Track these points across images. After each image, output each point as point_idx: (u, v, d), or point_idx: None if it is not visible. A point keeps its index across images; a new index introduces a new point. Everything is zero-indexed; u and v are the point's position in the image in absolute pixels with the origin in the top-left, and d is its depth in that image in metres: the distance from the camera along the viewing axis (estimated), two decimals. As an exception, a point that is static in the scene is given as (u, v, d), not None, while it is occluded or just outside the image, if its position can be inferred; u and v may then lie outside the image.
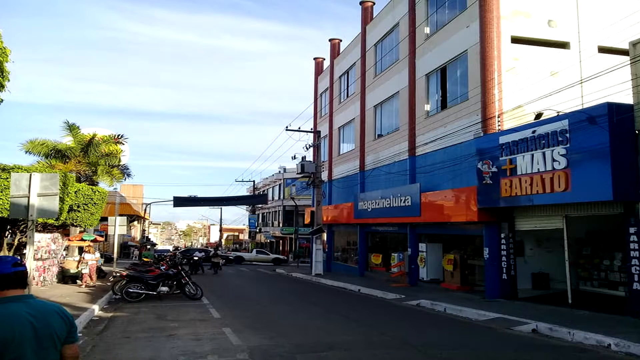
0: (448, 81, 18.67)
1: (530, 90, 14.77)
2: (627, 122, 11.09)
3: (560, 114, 12.85)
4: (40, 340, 2.45)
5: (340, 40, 31.62)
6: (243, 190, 63.08)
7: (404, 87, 21.36)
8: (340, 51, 30.54)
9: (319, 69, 34.18)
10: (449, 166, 17.17)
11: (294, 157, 28.68)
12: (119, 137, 27.74)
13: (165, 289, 14.87)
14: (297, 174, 29.01)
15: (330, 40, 31.80)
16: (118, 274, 16.05)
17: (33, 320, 2.45)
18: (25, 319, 2.43)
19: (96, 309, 12.39)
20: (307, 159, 27.69)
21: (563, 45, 16.40)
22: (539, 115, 13.66)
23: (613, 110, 11.03)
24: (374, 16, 25.95)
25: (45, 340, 2.47)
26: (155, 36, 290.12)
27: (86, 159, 24.35)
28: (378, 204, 22.13)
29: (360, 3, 27.00)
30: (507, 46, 15.79)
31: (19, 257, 4.59)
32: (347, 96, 28.56)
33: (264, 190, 61.09)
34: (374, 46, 25.13)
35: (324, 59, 33.62)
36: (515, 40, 15.97)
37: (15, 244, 15.74)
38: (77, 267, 18.52)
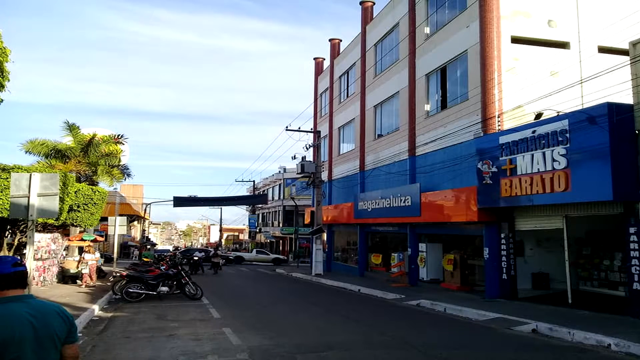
0: (448, 81, 18.66)
1: (530, 90, 14.76)
2: (627, 122, 11.09)
3: (560, 114, 12.85)
4: (40, 340, 2.44)
5: (340, 40, 31.60)
6: (243, 190, 63.19)
7: (404, 87, 21.36)
8: (340, 51, 30.53)
9: (319, 69, 34.17)
10: (449, 166, 17.17)
11: (294, 157, 28.68)
12: (119, 137, 27.77)
13: (165, 289, 14.86)
14: (297, 174, 28.99)
15: (330, 40, 31.78)
16: (118, 274, 16.05)
17: (33, 320, 2.45)
18: (25, 319, 2.42)
19: (96, 309, 12.39)
20: (307, 159, 27.67)
21: (563, 45, 16.39)
22: (539, 115, 13.65)
23: (613, 110, 11.03)
24: (374, 16, 25.94)
25: (46, 340, 2.47)
26: (155, 36, 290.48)
27: (86, 159, 24.36)
28: (378, 204, 22.13)
29: (360, 3, 26.99)
30: (507, 46, 15.79)
31: (19, 257, 4.58)
32: (347, 96, 28.55)
33: (264, 190, 61.06)
34: (374, 46, 25.12)
35: (324, 59, 33.61)
36: (515, 40, 15.97)
37: (15, 244, 15.75)
38: (77, 267, 18.52)
